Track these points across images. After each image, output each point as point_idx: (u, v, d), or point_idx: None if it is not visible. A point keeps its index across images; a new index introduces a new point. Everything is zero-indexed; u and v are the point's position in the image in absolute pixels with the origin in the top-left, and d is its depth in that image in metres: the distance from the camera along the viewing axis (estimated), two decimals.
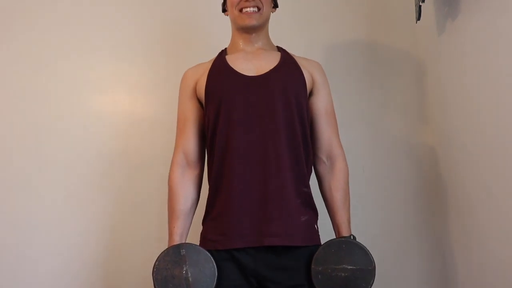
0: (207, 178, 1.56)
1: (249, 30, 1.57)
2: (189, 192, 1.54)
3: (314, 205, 1.52)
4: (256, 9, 1.54)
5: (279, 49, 1.64)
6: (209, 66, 1.58)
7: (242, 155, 1.45)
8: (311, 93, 1.58)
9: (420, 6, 1.68)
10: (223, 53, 1.62)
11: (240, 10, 1.55)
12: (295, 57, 1.61)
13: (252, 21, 1.54)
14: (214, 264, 1.38)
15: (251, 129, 1.47)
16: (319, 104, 1.58)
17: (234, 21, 1.60)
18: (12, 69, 2.07)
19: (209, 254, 1.39)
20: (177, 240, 1.46)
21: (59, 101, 2.05)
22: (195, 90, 1.58)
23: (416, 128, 2.02)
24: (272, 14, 1.64)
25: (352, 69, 2.08)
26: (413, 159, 2.01)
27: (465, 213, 1.64)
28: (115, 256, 1.94)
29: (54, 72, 2.07)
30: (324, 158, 1.57)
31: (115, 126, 2.04)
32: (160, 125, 2.01)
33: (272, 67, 1.54)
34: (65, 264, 1.93)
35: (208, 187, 1.53)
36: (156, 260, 1.39)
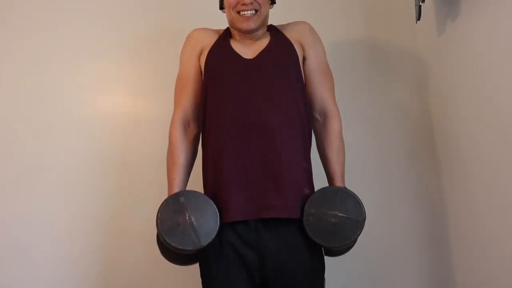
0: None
1: (247, 31, 1.58)
2: (190, 147, 1.57)
3: (312, 181, 1.54)
4: (253, 11, 1.55)
5: (269, 28, 1.65)
6: (214, 39, 1.61)
7: (237, 128, 1.47)
8: (304, 58, 1.61)
9: (420, 6, 1.68)
10: (228, 35, 1.63)
11: (238, 12, 1.55)
12: (283, 29, 1.63)
13: (250, 25, 1.55)
14: (214, 205, 1.41)
15: (246, 103, 1.49)
16: (311, 65, 1.61)
17: (231, 22, 1.61)
18: (13, 70, 2.07)
19: (207, 197, 1.42)
20: (177, 191, 1.48)
21: (60, 102, 2.05)
22: (200, 55, 1.61)
23: (416, 127, 2.02)
24: (271, 14, 1.65)
25: (352, 69, 2.08)
26: (413, 159, 2.01)
27: (466, 213, 1.64)
28: (115, 256, 1.94)
29: (54, 73, 2.07)
30: (317, 116, 1.60)
31: (116, 126, 2.04)
32: (160, 125, 1.99)
33: (263, 47, 1.56)
34: (66, 264, 1.93)
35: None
36: (158, 212, 1.40)
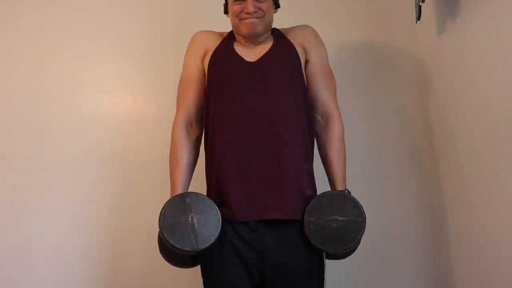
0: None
1: (251, 36, 1.59)
2: (193, 148, 1.58)
3: (314, 183, 1.54)
4: (257, 18, 1.56)
5: (273, 31, 1.66)
6: (218, 41, 1.62)
7: (240, 130, 1.48)
8: (306, 61, 1.61)
9: (420, 6, 1.69)
10: (232, 38, 1.64)
11: (242, 19, 1.57)
12: (286, 33, 1.64)
13: (254, 30, 1.57)
14: (218, 212, 1.42)
15: (249, 107, 1.50)
16: (313, 67, 1.61)
17: (235, 28, 1.62)
18: (13, 70, 2.07)
19: (213, 202, 1.43)
20: (180, 191, 1.49)
21: (59, 102, 2.05)
22: (203, 57, 1.62)
23: (416, 127, 2.02)
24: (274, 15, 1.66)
25: (352, 69, 2.08)
26: (413, 158, 2.01)
27: (465, 214, 1.64)
28: (117, 255, 1.94)
29: (54, 73, 2.07)
30: (319, 117, 1.61)
31: (116, 126, 2.04)
32: (160, 125, 2.01)
33: (266, 51, 1.57)
34: (66, 264, 1.93)
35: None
36: (163, 208, 1.42)
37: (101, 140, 2.03)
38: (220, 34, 1.66)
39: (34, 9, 2.12)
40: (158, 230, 1.44)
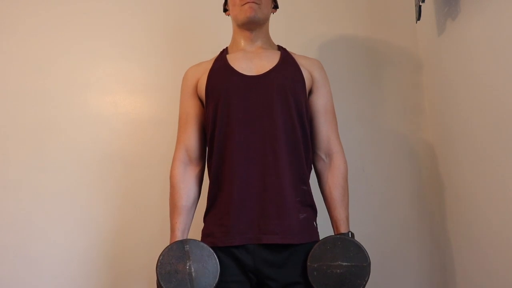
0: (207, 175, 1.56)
1: (250, 25, 1.57)
2: (191, 189, 1.55)
3: (313, 203, 1.52)
4: (255, 4, 1.55)
5: (279, 48, 1.66)
6: (210, 65, 1.60)
7: (241, 153, 1.46)
8: (310, 91, 1.59)
9: (420, 6, 1.68)
10: (224, 52, 1.63)
11: (242, 6, 1.55)
12: (295, 56, 1.62)
13: (253, 13, 1.54)
14: (217, 260, 1.40)
15: (250, 127, 1.48)
16: (318, 102, 1.59)
17: (235, 18, 1.60)
18: (12, 70, 2.07)
19: (212, 251, 1.41)
20: (179, 236, 1.48)
21: (60, 102, 2.05)
22: (196, 88, 1.60)
23: (416, 127, 2.02)
24: (274, 16, 1.65)
25: (352, 69, 2.08)
26: (413, 158, 2.01)
27: (465, 213, 1.64)
28: (117, 256, 1.94)
29: (54, 73, 2.07)
30: (323, 156, 1.58)
31: (116, 126, 2.04)
32: (161, 126, 2.01)
33: (271, 66, 1.55)
34: (66, 265, 1.93)
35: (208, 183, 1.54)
36: (160, 255, 1.40)
37: (101, 140, 2.03)
38: (211, 60, 1.63)
39: (35, 10, 2.12)
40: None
